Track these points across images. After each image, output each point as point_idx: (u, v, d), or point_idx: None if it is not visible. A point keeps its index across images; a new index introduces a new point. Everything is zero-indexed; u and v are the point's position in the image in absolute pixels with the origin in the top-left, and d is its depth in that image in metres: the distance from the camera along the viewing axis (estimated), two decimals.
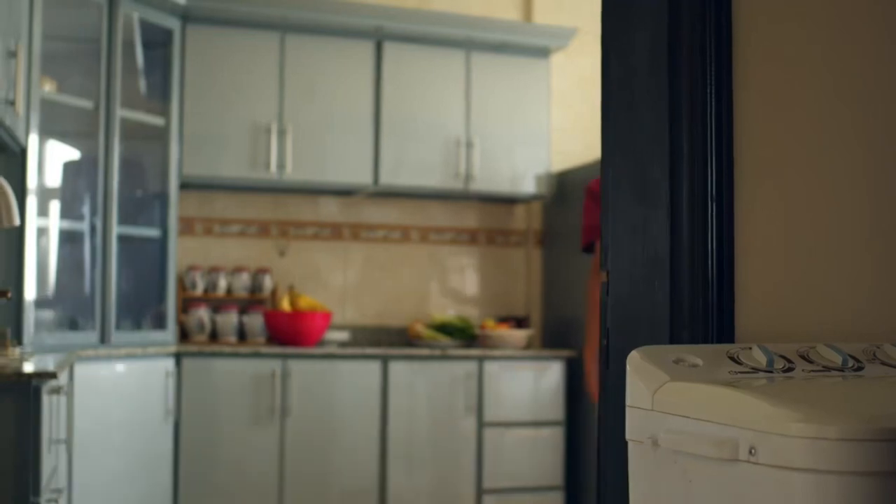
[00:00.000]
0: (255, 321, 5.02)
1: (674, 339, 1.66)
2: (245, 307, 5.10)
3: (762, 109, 1.70)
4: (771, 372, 1.49)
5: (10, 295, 2.91)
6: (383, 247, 5.49)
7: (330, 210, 5.41)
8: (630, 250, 1.82)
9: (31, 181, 3.83)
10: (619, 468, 1.75)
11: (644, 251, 1.77)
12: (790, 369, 1.52)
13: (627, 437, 1.49)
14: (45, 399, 2.88)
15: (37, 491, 2.83)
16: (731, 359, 1.52)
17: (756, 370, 1.49)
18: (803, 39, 1.73)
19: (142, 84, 4.74)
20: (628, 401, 1.50)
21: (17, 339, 3.73)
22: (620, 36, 1.88)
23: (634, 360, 1.50)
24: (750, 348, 1.55)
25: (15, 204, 3.05)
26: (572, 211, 5.38)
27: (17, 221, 3.06)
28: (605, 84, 1.92)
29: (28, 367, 2.91)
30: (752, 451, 1.20)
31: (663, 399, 1.41)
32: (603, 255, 1.91)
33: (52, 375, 2.85)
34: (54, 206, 4.34)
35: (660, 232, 1.71)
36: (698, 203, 1.67)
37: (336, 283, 5.40)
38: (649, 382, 1.44)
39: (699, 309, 1.65)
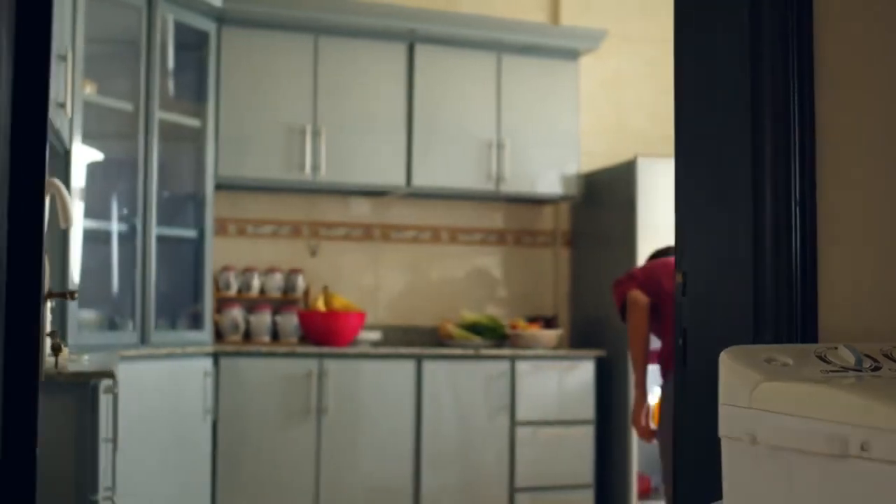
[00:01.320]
0: (288, 321, 5.06)
1: (757, 340, 1.70)
2: (278, 307, 5.14)
3: (844, 108, 1.73)
4: (860, 371, 1.53)
5: (76, 295, 2.95)
6: (413, 247, 5.53)
7: (360, 211, 5.45)
8: (708, 252, 1.85)
9: (76, 182, 3.87)
10: (700, 463, 1.79)
11: (724, 252, 1.80)
12: (877, 368, 1.56)
13: (721, 433, 1.53)
14: (101, 399, 2.93)
15: (94, 489, 2.88)
16: (820, 358, 1.56)
17: (845, 369, 1.53)
18: (886, 37, 1.76)
19: (170, 85, 4.78)
20: (722, 399, 1.53)
21: (62, 339, 3.77)
22: (697, 36, 1.91)
23: (727, 360, 1.54)
24: (836, 348, 1.59)
25: (70, 204, 3.09)
26: (599, 211, 5.43)
27: (73, 222, 3.10)
28: (680, 85, 1.95)
29: (87, 367, 2.96)
30: (865, 446, 1.23)
31: (761, 397, 1.44)
32: (678, 256, 1.95)
33: (110, 375, 2.90)
34: (92, 208, 4.39)
35: (742, 233, 1.74)
36: (781, 204, 1.70)
37: (366, 283, 5.44)
38: (745, 381, 1.48)
39: (783, 309, 1.69)
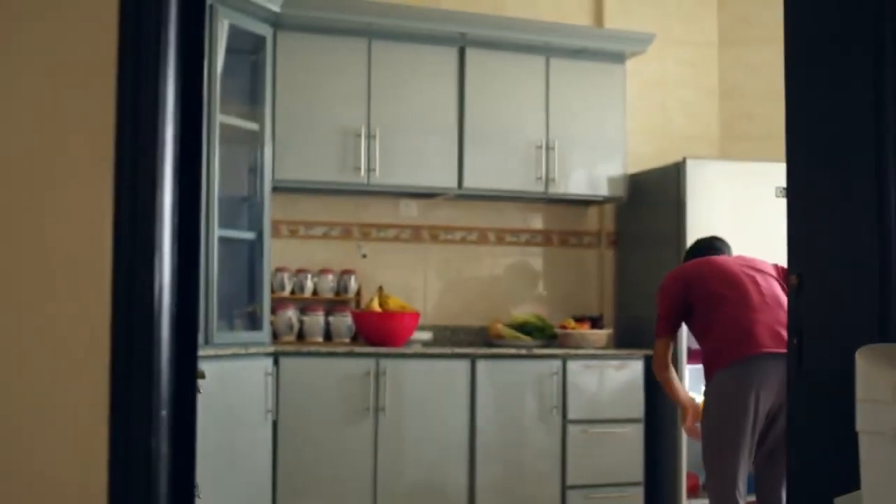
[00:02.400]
0: (341, 321, 5.13)
1: (884, 337, 1.76)
2: (330, 308, 5.21)
3: None
4: None
5: None
6: (460, 248, 5.60)
7: (409, 212, 5.52)
8: (826, 251, 1.91)
9: None
10: (824, 458, 1.85)
11: (844, 251, 1.86)
12: None
13: (859, 428, 1.59)
14: None
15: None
16: None
17: None
18: None
19: (228, 89, 4.84)
20: (860, 395, 1.60)
21: None
22: (812, 34, 1.95)
23: (864, 358, 1.60)
24: None
25: None
26: (645, 212, 5.49)
27: None
28: (793, 83, 1.99)
29: None
30: None
31: None
32: (791, 258, 2.01)
33: (202, 375, 2.96)
34: None
35: (865, 229, 1.79)
36: None
37: (416, 284, 5.51)
38: (886, 377, 1.54)
39: None
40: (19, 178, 1.12)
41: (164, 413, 1.27)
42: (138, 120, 1.21)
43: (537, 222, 5.73)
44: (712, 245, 4.34)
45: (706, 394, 3.98)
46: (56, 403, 1.12)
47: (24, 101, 1.14)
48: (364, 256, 5.41)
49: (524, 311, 5.58)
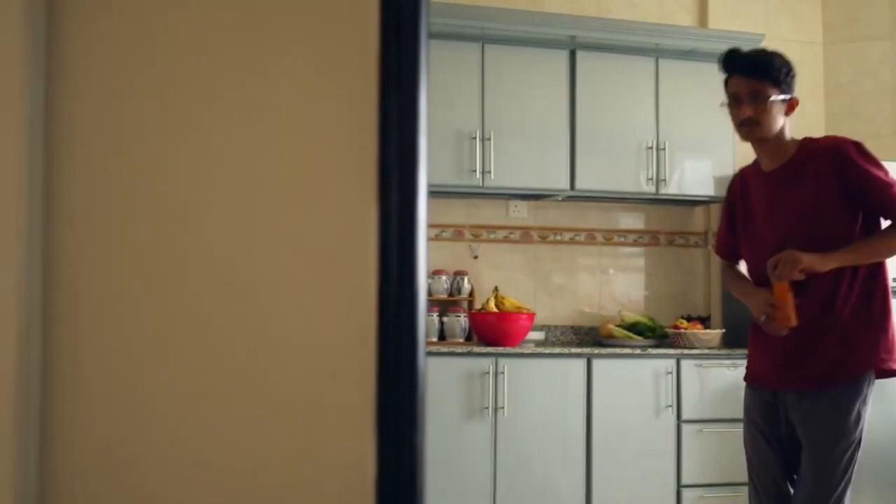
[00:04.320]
0: (454, 322, 5.21)
1: None
2: (444, 308, 5.29)
3: None
4: None
5: None
6: (569, 248, 5.66)
7: (519, 213, 5.59)
8: None
9: None
10: None
11: None
12: None
13: None
14: None
15: None
16: None
17: None
18: None
19: None
20: None
21: None
22: None
23: None
24: None
25: None
26: None
27: None
28: None
29: None
30: None
31: None
32: None
33: None
34: None
35: None
36: None
37: (525, 284, 5.57)
38: None
39: None
40: (285, 182, 1.19)
41: (422, 410, 1.33)
42: (401, 124, 1.29)
43: (644, 223, 5.76)
44: None
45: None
46: (326, 404, 1.19)
47: (292, 105, 1.22)
48: (475, 257, 5.49)
49: (632, 311, 5.62)
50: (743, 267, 3.55)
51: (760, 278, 3.31)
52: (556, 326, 5.56)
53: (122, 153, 1.11)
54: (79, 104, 1.08)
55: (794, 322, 3.15)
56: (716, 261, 5.76)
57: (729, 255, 3.61)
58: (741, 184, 3.48)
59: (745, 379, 3.60)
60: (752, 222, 3.37)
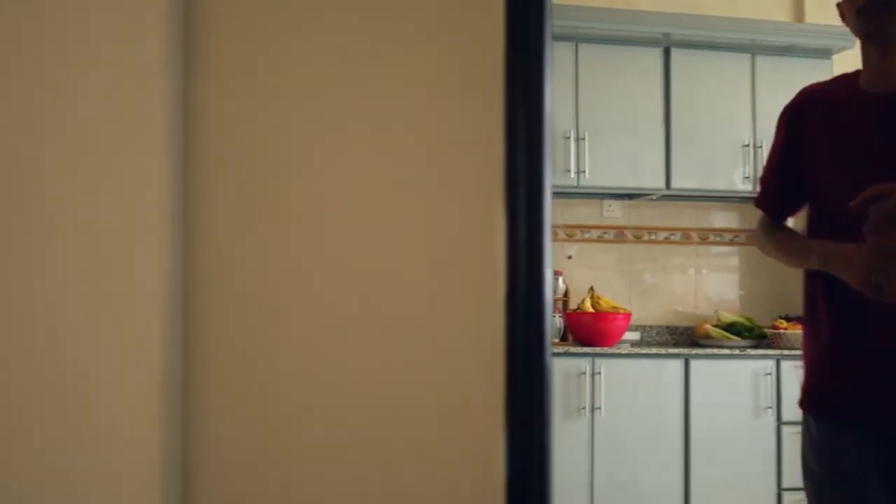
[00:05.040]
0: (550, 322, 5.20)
1: None
2: None
3: None
4: None
5: None
6: (664, 248, 5.61)
7: (613, 213, 5.56)
8: None
9: None
10: None
11: None
12: None
13: None
14: None
15: None
16: None
17: None
18: None
19: None
20: None
21: None
22: None
23: None
24: None
25: None
26: None
27: None
28: None
29: None
30: None
31: None
32: None
33: None
34: None
35: None
36: None
37: (619, 284, 5.54)
38: None
39: None
40: (414, 183, 1.20)
41: (550, 410, 1.33)
42: (527, 124, 1.29)
43: (739, 222, 5.69)
44: None
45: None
46: (455, 404, 1.19)
47: (420, 106, 1.22)
48: (570, 257, 5.48)
49: (728, 311, 5.55)
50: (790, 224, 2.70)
51: (846, 236, 2.26)
52: (651, 326, 5.52)
53: (256, 157, 1.13)
54: (215, 110, 1.11)
55: None
56: None
57: (776, 207, 2.63)
58: (819, 106, 2.43)
59: (819, 410, 2.39)
60: (844, 160, 2.34)
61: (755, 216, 2.70)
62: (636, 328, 5.43)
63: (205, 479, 1.10)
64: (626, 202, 5.55)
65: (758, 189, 2.71)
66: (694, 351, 4.99)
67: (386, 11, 1.18)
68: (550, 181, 1.35)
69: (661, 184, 5.20)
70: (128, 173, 1.04)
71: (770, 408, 4.96)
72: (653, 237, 5.60)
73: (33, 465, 1.00)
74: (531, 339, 1.27)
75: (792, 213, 2.64)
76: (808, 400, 2.42)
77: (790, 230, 2.62)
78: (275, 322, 1.11)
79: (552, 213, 1.21)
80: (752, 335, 5.29)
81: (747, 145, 5.26)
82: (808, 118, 2.45)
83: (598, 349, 4.90)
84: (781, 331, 5.22)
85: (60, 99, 1.05)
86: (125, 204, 1.03)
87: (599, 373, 4.83)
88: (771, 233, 2.60)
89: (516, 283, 1.19)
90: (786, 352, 5.05)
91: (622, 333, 5.09)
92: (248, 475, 1.12)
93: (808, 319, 2.42)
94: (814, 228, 2.46)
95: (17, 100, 1.03)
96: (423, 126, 1.17)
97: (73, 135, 1.05)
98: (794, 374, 4.99)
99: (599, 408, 4.82)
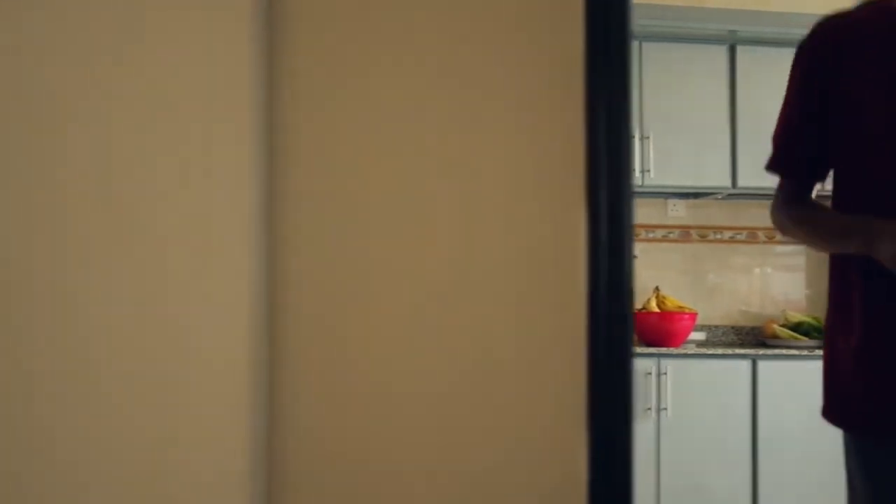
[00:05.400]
0: None
1: None
2: None
3: None
4: None
5: None
6: (729, 248, 5.56)
7: (677, 213, 5.52)
8: None
9: None
10: None
11: None
12: None
13: None
14: None
15: None
16: None
17: None
18: None
19: None
20: None
21: None
22: None
23: None
24: None
25: None
26: None
27: None
28: None
29: None
30: None
31: None
32: None
33: None
34: None
35: None
36: None
37: (684, 284, 5.50)
38: None
39: None
40: (498, 187, 1.20)
41: (633, 412, 1.33)
42: (608, 126, 1.29)
43: None
44: None
45: None
46: (539, 403, 1.19)
47: (503, 111, 1.22)
48: (635, 257, 5.45)
49: (794, 311, 5.49)
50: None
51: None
52: (716, 326, 5.47)
53: (339, 159, 1.15)
54: (299, 114, 1.13)
55: None
56: None
57: (803, 170, 2.10)
58: (855, 38, 1.94)
59: (864, 425, 1.92)
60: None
61: None
62: (701, 328, 5.39)
63: (289, 467, 1.12)
64: (690, 201, 5.51)
65: (827, 186, 2.07)
66: (761, 351, 4.94)
67: (469, 21, 1.19)
68: (632, 180, 1.35)
69: (727, 182, 5.15)
70: (219, 176, 1.06)
71: None
72: (718, 237, 5.55)
73: (131, 453, 1.03)
74: (614, 338, 1.27)
75: (822, 177, 2.06)
76: (839, 410, 1.94)
77: (821, 205, 2.04)
78: (359, 321, 1.13)
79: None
80: (820, 335, 5.22)
81: None
82: (842, 53, 1.91)
83: (663, 349, 4.87)
84: None
85: (157, 114, 1.08)
86: (217, 205, 1.05)
87: (665, 373, 4.80)
88: (799, 209, 2.06)
89: (598, 284, 1.19)
90: None
91: (688, 333, 5.05)
92: (331, 464, 1.13)
93: (837, 315, 1.94)
94: (845, 199, 1.91)
95: (120, 112, 1.05)
96: (506, 131, 1.18)
97: (165, 138, 1.07)
98: None
99: (665, 408, 4.79)
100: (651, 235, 5.50)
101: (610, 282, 1.28)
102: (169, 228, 1.06)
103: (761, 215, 5.57)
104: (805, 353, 4.96)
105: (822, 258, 5.46)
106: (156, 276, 1.07)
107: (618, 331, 1.32)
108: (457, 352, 1.17)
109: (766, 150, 5.11)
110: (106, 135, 1.04)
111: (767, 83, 5.20)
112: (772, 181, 5.10)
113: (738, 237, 5.57)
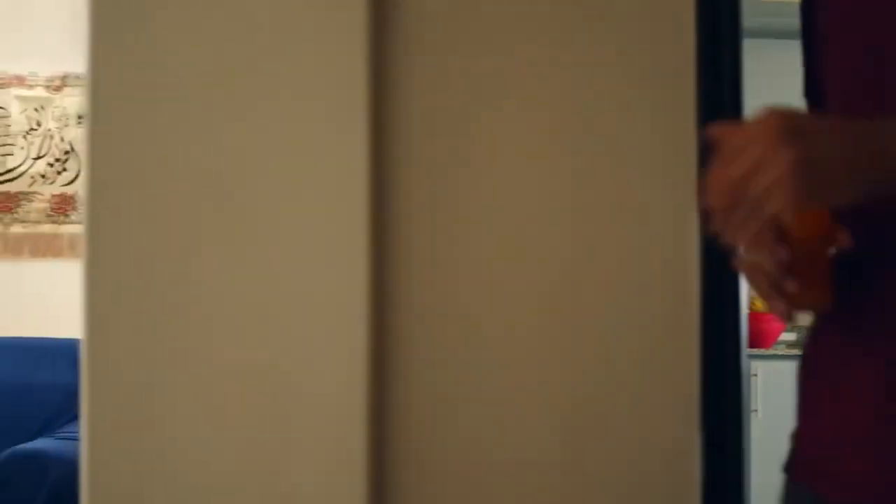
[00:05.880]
0: None
1: None
2: None
3: None
4: None
5: None
6: None
7: None
8: None
9: None
10: None
11: None
12: None
13: None
14: None
15: None
16: None
17: None
18: None
19: None
20: None
21: None
22: None
23: None
24: None
25: None
26: None
27: None
28: None
29: None
30: None
31: None
32: None
33: None
34: None
35: None
36: None
37: None
38: None
39: None
40: (608, 190, 1.20)
41: (747, 413, 1.33)
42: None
43: None
44: None
45: None
46: (651, 403, 1.19)
47: (610, 116, 1.24)
48: None
49: None
50: None
51: None
52: (807, 327, 5.39)
53: (448, 170, 1.17)
54: (410, 126, 1.15)
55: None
56: None
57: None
58: None
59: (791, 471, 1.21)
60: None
61: None
62: (792, 328, 5.31)
63: (400, 470, 1.15)
64: None
65: None
66: None
67: (573, 26, 1.20)
68: None
69: None
70: (331, 182, 1.09)
71: None
72: None
73: (244, 459, 1.06)
74: (726, 337, 1.27)
75: None
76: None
77: None
78: (470, 324, 1.15)
79: None
80: None
81: None
82: None
83: (754, 350, 4.82)
84: None
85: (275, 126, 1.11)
86: (328, 210, 1.08)
87: (756, 374, 4.75)
88: None
89: (710, 282, 1.20)
90: None
91: (779, 334, 4.99)
92: (441, 470, 1.15)
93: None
94: None
95: (239, 123, 1.09)
96: (615, 139, 1.20)
97: (279, 143, 1.11)
98: None
99: (756, 410, 4.73)
100: None
101: (721, 284, 1.29)
102: (293, 242, 1.09)
103: None
104: None
105: None
106: (265, 281, 1.10)
107: (730, 332, 1.32)
108: (566, 354, 1.18)
109: None
110: (240, 147, 1.07)
111: None
112: None
113: None
